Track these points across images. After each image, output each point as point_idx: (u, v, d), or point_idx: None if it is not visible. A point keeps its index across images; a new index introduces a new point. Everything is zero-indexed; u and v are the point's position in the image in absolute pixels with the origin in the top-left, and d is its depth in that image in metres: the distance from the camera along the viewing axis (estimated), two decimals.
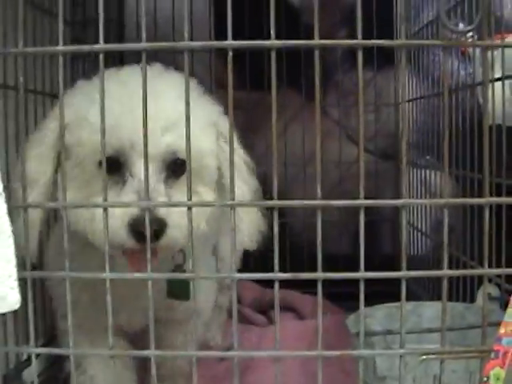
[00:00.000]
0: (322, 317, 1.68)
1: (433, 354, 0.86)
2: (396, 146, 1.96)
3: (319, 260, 0.82)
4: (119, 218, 0.93)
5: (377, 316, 1.06)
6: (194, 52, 1.79)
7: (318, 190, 0.81)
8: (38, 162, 1.01)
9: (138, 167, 0.97)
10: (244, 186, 1.07)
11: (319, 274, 0.83)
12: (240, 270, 1.46)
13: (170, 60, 1.90)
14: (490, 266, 0.84)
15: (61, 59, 0.82)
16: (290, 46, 0.81)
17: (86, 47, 0.84)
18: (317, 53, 0.80)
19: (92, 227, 0.96)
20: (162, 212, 0.94)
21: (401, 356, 0.85)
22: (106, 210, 0.80)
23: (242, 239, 1.07)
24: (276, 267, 0.84)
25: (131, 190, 0.96)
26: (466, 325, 1.08)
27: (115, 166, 0.99)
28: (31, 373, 1.37)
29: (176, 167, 1.00)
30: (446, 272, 0.83)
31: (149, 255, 0.80)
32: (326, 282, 1.65)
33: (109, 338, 0.83)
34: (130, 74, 1.03)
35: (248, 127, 1.99)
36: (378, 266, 1.95)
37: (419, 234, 1.82)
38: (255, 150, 2.05)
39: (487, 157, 0.82)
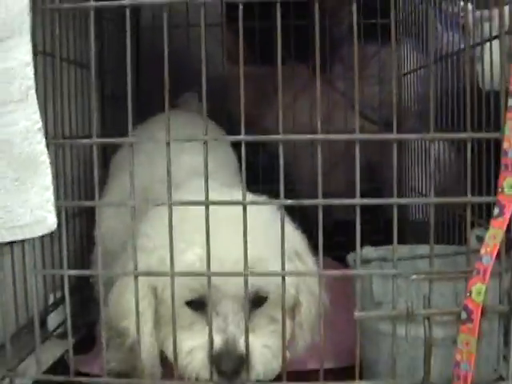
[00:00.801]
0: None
1: (423, 274, 0.96)
2: (399, 116, 2.05)
3: (320, 187, 0.93)
4: (201, 355, 1.01)
5: (375, 251, 1.16)
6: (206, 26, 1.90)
7: (318, 124, 0.91)
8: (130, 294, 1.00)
9: (223, 306, 1.01)
10: (311, 299, 1.11)
11: (319, 201, 0.93)
12: None
13: (184, 36, 2.02)
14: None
15: (92, 14, 0.93)
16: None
17: (115, 2, 0.95)
18: (316, 5, 0.90)
19: (177, 361, 0.99)
20: (242, 349, 0.98)
21: (393, 276, 0.96)
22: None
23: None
24: (281, 195, 0.93)
25: (215, 328, 0.99)
26: (458, 262, 1.17)
27: (199, 305, 1.03)
28: (54, 320, 1.48)
29: (257, 299, 1.04)
30: (432, 200, 0.95)
31: None
32: (333, 245, 1.74)
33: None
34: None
35: (259, 100, 2.10)
36: (383, 229, 2.04)
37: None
38: (266, 122, 2.17)
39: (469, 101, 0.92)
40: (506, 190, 0.91)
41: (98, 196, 0.95)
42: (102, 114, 1.87)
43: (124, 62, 0.96)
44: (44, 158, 0.90)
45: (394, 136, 0.94)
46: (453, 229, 1.48)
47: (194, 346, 1.02)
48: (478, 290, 0.90)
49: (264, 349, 1.02)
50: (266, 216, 1.07)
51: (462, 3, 1.68)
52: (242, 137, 0.95)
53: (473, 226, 1.25)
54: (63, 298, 1.44)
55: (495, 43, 1.25)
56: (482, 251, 0.91)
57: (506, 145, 0.91)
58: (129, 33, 0.94)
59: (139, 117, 1.44)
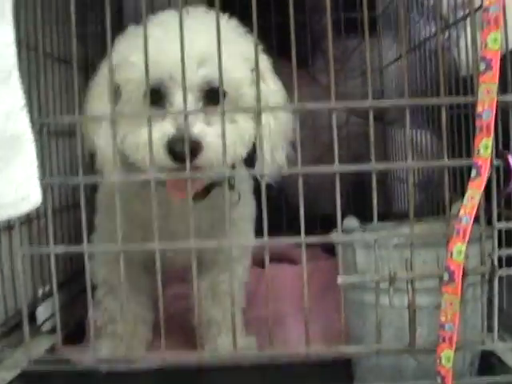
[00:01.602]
0: (317, 262, 1.79)
1: (403, 236, 0.98)
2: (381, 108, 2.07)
3: (299, 156, 0.94)
4: (158, 140, 1.04)
5: (356, 222, 1.18)
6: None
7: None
8: (99, 100, 1.12)
9: (177, 97, 1.07)
10: (271, 118, 1.16)
11: (298, 169, 0.95)
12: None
13: None
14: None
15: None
16: None
17: None
18: None
19: (137, 152, 1.07)
20: (198, 132, 1.04)
21: (375, 241, 0.98)
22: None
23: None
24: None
25: (170, 118, 1.05)
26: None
27: (157, 97, 1.09)
28: (43, 314, 1.49)
29: (214, 95, 1.07)
30: (410, 163, 0.97)
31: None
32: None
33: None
34: (166, 17, 1.14)
35: None
36: (369, 219, 2.05)
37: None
38: None
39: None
40: (481, 151, 0.93)
41: None
42: None
43: None
44: (28, 136, 0.91)
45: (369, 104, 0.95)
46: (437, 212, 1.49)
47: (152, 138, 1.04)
48: (459, 249, 0.92)
49: (218, 138, 1.01)
50: (227, 31, 1.10)
51: None
52: (221, 109, 0.96)
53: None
54: (51, 291, 1.46)
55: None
56: (461, 212, 0.93)
57: (479, 108, 0.93)
58: (109, 20, 0.95)
59: None
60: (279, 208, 2.03)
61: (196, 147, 1.03)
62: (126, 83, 1.11)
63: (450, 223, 0.96)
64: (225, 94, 1.06)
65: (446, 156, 0.96)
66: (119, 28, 1.55)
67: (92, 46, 1.84)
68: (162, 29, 1.09)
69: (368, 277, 1.00)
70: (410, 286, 0.97)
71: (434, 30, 1.75)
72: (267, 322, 1.00)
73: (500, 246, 1.00)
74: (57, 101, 1.54)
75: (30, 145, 0.91)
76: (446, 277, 0.93)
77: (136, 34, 1.10)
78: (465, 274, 0.93)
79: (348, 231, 1.09)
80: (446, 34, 1.64)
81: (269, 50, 2.11)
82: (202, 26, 1.07)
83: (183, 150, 0.97)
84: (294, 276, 1.63)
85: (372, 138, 0.97)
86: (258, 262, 1.90)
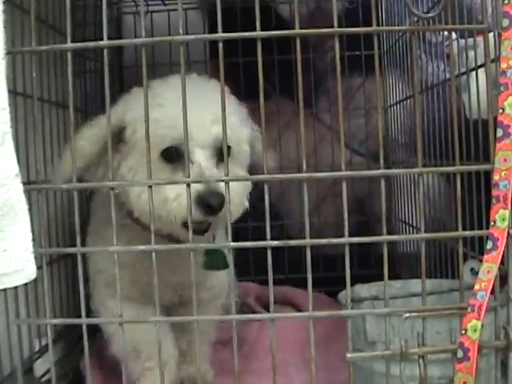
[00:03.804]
0: (321, 310, 1.75)
1: (415, 311, 0.93)
2: (386, 147, 2.04)
3: (307, 228, 0.90)
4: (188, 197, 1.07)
5: (367, 289, 1.13)
6: (191, 63, 1.89)
7: (304, 164, 0.89)
8: (89, 142, 1.18)
9: (196, 154, 1.14)
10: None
11: (307, 241, 0.91)
12: (240, 271, 1.56)
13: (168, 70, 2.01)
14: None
15: (69, 55, 0.91)
16: (272, 36, 0.90)
17: (91, 44, 0.93)
18: (297, 41, 0.89)
19: (165, 208, 1.11)
20: (221, 188, 1.06)
21: (386, 315, 0.93)
22: (150, 187, 0.93)
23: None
24: (268, 236, 0.91)
25: (194, 175, 1.09)
26: (453, 298, 1.14)
27: (176, 156, 1.16)
28: (42, 366, 1.44)
29: (220, 152, 1.16)
30: (423, 235, 0.92)
31: None
32: (327, 281, 1.69)
33: (118, 305, 0.91)
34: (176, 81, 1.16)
35: None
36: (374, 265, 2.01)
37: (414, 231, 1.87)
38: (252, 156, 2.15)
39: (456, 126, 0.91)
40: (498, 222, 0.89)
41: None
42: None
43: None
44: (22, 206, 0.87)
45: (380, 172, 0.91)
46: (445, 261, 1.45)
47: (180, 192, 1.09)
48: (474, 326, 0.88)
49: (233, 191, 1.06)
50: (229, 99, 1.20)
51: (445, 32, 1.67)
52: (226, 178, 0.93)
53: (466, 258, 1.23)
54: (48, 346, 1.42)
55: (481, 72, 1.25)
56: (477, 287, 0.89)
57: (496, 177, 0.89)
58: (107, 74, 0.92)
59: None
60: (281, 247, 1.98)
61: (223, 200, 1.07)
62: (141, 140, 1.11)
63: (464, 294, 0.92)
64: (230, 152, 1.16)
65: (459, 227, 0.92)
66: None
67: (91, 88, 1.81)
68: (175, 93, 1.09)
69: (378, 352, 0.95)
70: (421, 361, 0.93)
71: (441, 67, 1.72)
72: (270, 372, 0.96)
73: None
74: (55, 147, 1.50)
75: (24, 216, 0.88)
76: (460, 354, 0.89)
77: (151, 93, 1.11)
78: (479, 349, 0.88)
79: (358, 300, 1.04)
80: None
81: (272, 90, 2.11)
82: (209, 90, 1.16)
83: (216, 202, 1.06)
84: (297, 326, 1.58)
85: (384, 209, 0.92)
86: (262, 306, 1.88)
